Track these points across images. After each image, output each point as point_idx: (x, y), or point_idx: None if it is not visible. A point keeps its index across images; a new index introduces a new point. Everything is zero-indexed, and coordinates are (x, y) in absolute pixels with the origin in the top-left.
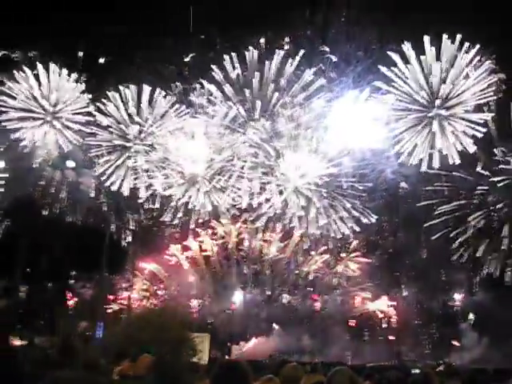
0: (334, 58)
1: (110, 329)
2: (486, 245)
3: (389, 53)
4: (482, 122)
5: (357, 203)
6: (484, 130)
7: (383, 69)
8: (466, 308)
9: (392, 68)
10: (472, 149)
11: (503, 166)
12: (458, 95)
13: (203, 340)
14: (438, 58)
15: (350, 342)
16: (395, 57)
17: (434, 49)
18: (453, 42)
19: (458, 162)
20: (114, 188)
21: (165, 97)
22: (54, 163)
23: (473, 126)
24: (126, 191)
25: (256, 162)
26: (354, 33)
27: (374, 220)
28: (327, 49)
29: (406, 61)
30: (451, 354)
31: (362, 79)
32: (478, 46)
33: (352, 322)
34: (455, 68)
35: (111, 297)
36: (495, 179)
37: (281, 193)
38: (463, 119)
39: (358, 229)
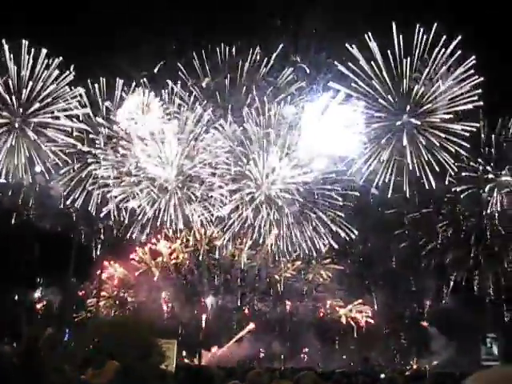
0: (306, 67)
1: (76, 335)
2: (453, 253)
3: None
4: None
5: (333, 215)
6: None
7: (341, 67)
8: (435, 314)
9: (353, 66)
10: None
11: (469, 174)
12: (433, 100)
13: (171, 346)
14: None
15: (319, 348)
16: (356, 52)
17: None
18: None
19: (433, 184)
20: (80, 198)
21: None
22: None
23: (454, 139)
24: (94, 199)
25: (228, 169)
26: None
27: (354, 236)
28: (298, 58)
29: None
30: (419, 359)
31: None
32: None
33: (321, 328)
34: (430, 66)
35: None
36: (461, 188)
37: (251, 200)
38: (440, 130)
39: (335, 245)
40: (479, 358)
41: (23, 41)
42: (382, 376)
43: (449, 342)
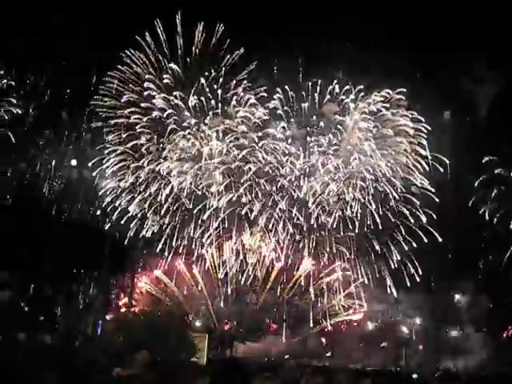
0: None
1: (110, 328)
2: None
3: None
4: None
5: None
6: None
7: None
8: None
9: None
10: None
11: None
12: None
13: (202, 339)
14: None
15: (357, 347)
16: None
17: None
18: None
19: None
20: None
21: None
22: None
23: None
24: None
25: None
26: None
27: None
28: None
29: None
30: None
31: None
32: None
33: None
34: None
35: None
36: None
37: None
38: None
39: None
40: None
41: None
42: (415, 376)
43: (486, 341)
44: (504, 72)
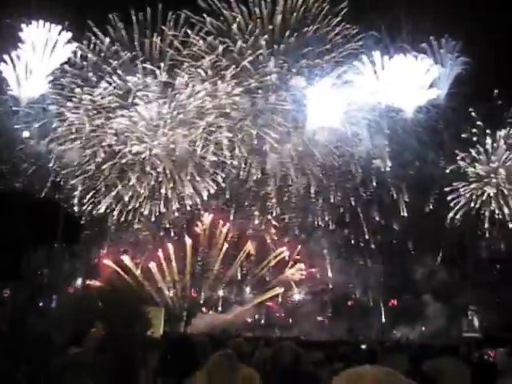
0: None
1: (63, 302)
2: None
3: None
4: None
5: None
6: None
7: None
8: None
9: None
10: None
11: None
12: None
13: (158, 314)
14: None
15: (315, 320)
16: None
17: None
18: None
19: None
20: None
21: None
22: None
23: None
24: None
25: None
26: None
27: None
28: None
29: None
30: (411, 328)
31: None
32: None
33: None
34: None
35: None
36: None
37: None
38: None
39: None
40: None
41: None
42: (363, 347)
43: (442, 310)
44: None
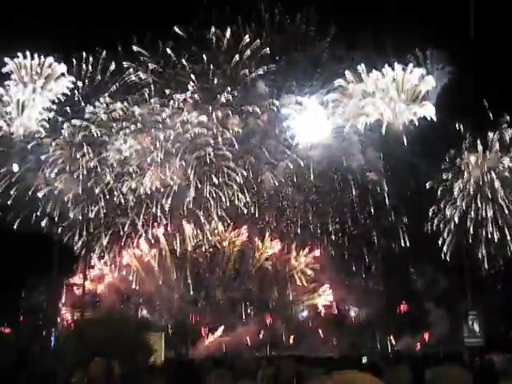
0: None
1: (63, 336)
2: None
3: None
4: None
5: None
6: None
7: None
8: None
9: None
10: None
11: None
12: None
13: (158, 339)
14: None
15: (315, 336)
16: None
17: None
18: None
19: None
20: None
21: None
22: None
23: None
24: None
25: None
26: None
27: None
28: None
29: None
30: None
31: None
32: None
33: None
34: None
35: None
36: None
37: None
38: None
39: None
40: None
41: None
42: (364, 360)
43: (444, 317)
44: None
